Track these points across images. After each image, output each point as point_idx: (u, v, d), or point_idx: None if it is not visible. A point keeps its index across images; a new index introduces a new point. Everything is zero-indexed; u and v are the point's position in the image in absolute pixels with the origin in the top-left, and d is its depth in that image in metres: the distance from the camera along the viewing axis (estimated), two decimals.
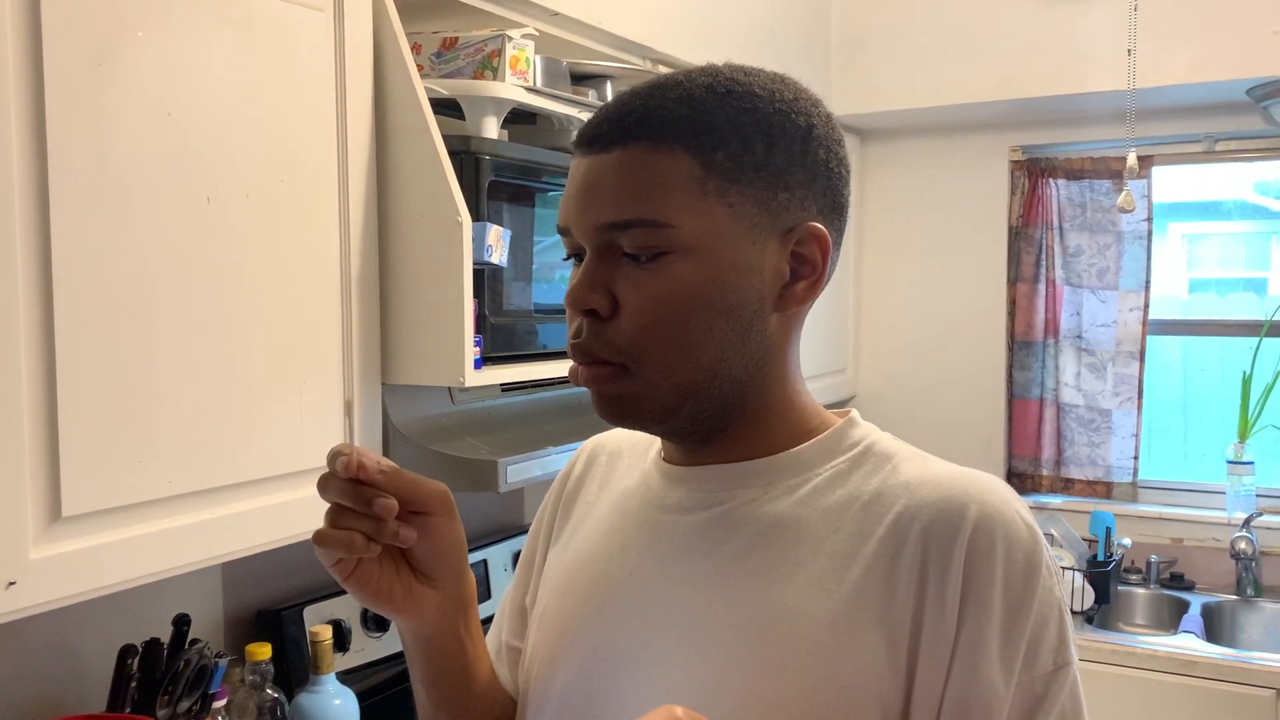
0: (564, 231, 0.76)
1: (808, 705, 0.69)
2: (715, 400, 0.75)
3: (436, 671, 0.83)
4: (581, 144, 0.75)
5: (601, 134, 0.73)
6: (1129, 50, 2.36)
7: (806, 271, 0.75)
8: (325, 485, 0.73)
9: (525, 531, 0.81)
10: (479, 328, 1.41)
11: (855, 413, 0.81)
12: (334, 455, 0.72)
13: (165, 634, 1.39)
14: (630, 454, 0.89)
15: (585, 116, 1.63)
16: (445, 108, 1.52)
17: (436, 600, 0.79)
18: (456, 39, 1.55)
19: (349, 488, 0.72)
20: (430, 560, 0.77)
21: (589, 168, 0.73)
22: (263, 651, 1.46)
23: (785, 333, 0.77)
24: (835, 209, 0.77)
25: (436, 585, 0.78)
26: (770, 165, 0.72)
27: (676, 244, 0.71)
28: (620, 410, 0.76)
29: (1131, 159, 2.42)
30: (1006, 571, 0.69)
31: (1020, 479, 3.01)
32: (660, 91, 0.73)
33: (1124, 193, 2.43)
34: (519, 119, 1.67)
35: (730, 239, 0.72)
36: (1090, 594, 2.58)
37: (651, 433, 0.81)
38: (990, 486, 0.73)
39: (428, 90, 1.40)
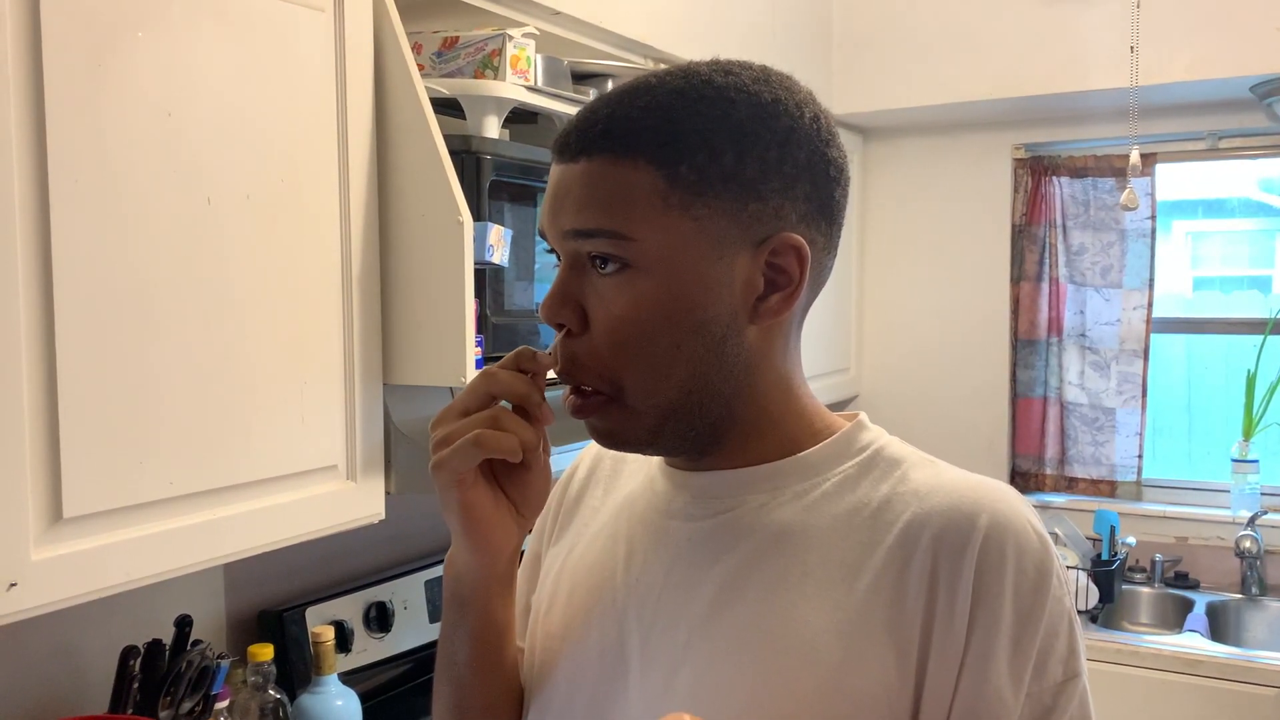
0: (541, 234, 0.77)
1: (816, 714, 0.69)
2: (699, 417, 0.74)
3: (488, 622, 0.81)
4: (554, 151, 0.74)
5: (569, 144, 0.72)
6: (1131, 48, 2.36)
7: (782, 283, 0.72)
8: (498, 381, 0.73)
9: (528, 532, 0.81)
10: (480, 328, 1.40)
11: (864, 416, 0.80)
12: (528, 354, 0.74)
13: (167, 635, 1.39)
14: (636, 458, 0.88)
15: None
16: (446, 107, 1.51)
17: (518, 538, 0.78)
18: (457, 38, 1.55)
19: (533, 388, 0.73)
20: (527, 494, 0.77)
21: (559, 176, 0.73)
22: (265, 652, 1.46)
23: (768, 342, 0.75)
24: (822, 213, 0.73)
25: (523, 521, 0.78)
26: (741, 175, 0.70)
27: (639, 259, 0.70)
28: (608, 440, 0.76)
29: (1134, 157, 2.41)
30: (1017, 581, 0.68)
31: (1024, 478, 3.01)
32: (629, 99, 0.72)
33: (1127, 190, 2.43)
34: (520, 118, 1.67)
35: (695, 254, 0.70)
36: (1094, 593, 2.58)
37: (644, 454, 0.81)
38: (1001, 494, 0.72)
39: (428, 90, 1.40)
